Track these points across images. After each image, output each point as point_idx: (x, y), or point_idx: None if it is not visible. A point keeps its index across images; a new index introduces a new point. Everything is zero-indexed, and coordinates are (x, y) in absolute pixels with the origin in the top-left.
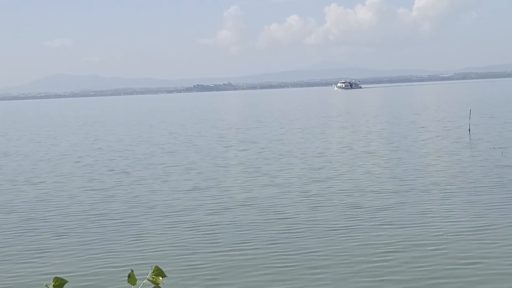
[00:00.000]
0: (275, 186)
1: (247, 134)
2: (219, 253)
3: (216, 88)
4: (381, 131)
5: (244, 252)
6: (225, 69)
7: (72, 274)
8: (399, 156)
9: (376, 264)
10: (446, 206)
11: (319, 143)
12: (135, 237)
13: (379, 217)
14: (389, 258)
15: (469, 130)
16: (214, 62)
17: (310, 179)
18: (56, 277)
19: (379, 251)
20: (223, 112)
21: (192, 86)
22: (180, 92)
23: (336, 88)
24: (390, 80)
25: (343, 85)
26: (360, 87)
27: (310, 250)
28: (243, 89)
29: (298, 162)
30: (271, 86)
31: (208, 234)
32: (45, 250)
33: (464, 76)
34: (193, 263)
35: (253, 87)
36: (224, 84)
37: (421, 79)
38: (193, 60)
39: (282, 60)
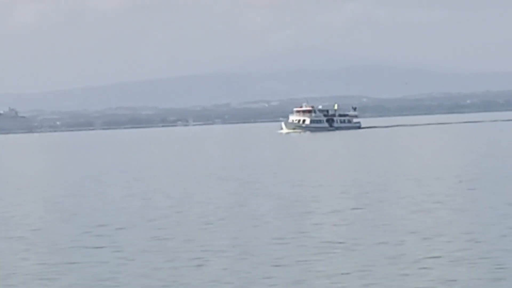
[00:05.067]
0: None
1: None
2: None
3: None
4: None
5: None
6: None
7: None
8: None
9: None
10: None
11: None
12: None
13: None
14: None
15: None
16: None
17: None
18: None
19: None
20: None
21: None
22: None
23: (284, 129)
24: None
25: (307, 120)
26: (358, 126)
27: None
28: (54, 128)
29: None
30: (134, 121)
31: None
32: None
33: None
34: None
35: (85, 123)
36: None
37: None
38: None
39: (168, 51)
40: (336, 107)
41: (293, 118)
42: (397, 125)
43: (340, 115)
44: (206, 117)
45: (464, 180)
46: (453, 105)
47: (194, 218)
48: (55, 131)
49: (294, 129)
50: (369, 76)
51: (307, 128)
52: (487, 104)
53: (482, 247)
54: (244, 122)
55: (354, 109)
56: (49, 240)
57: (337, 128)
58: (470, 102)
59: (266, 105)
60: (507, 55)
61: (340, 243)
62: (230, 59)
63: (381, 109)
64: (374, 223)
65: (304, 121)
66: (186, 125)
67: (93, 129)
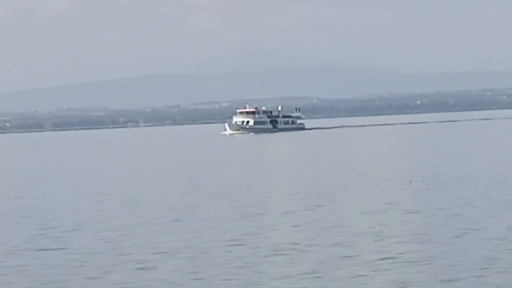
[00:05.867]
0: None
1: None
2: None
3: None
4: None
5: None
6: None
7: None
8: None
9: None
10: None
11: None
12: None
13: None
14: None
15: None
16: None
17: None
18: None
19: None
20: None
21: None
22: None
23: (228, 130)
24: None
25: (250, 122)
26: (302, 127)
27: None
28: (3, 130)
29: None
30: (84, 122)
31: None
32: None
33: None
34: None
35: (34, 125)
36: None
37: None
38: None
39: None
40: (280, 108)
41: (237, 119)
42: (342, 126)
43: (284, 116)
44: (157, 118)
45: (414, 181)
46: (403, 106)
47: (147, 219)
48: (4, 132)
49: (237, 130)
50: (319, 77)
51: (250, 130)
52: (437, 104)
53: (435, 248)
54: (194, 123)
55: (298, 109)
56: (1, 242)
57: (281, 130)
58: (420, 102)
59: (217, 106)
60: (457, 56)
61: (294, 244)
62: (180, 60)
63: (331, 110)
64: (326, 224)
65: (247, 122)
66: (136, 127)
67: (43, 131)
